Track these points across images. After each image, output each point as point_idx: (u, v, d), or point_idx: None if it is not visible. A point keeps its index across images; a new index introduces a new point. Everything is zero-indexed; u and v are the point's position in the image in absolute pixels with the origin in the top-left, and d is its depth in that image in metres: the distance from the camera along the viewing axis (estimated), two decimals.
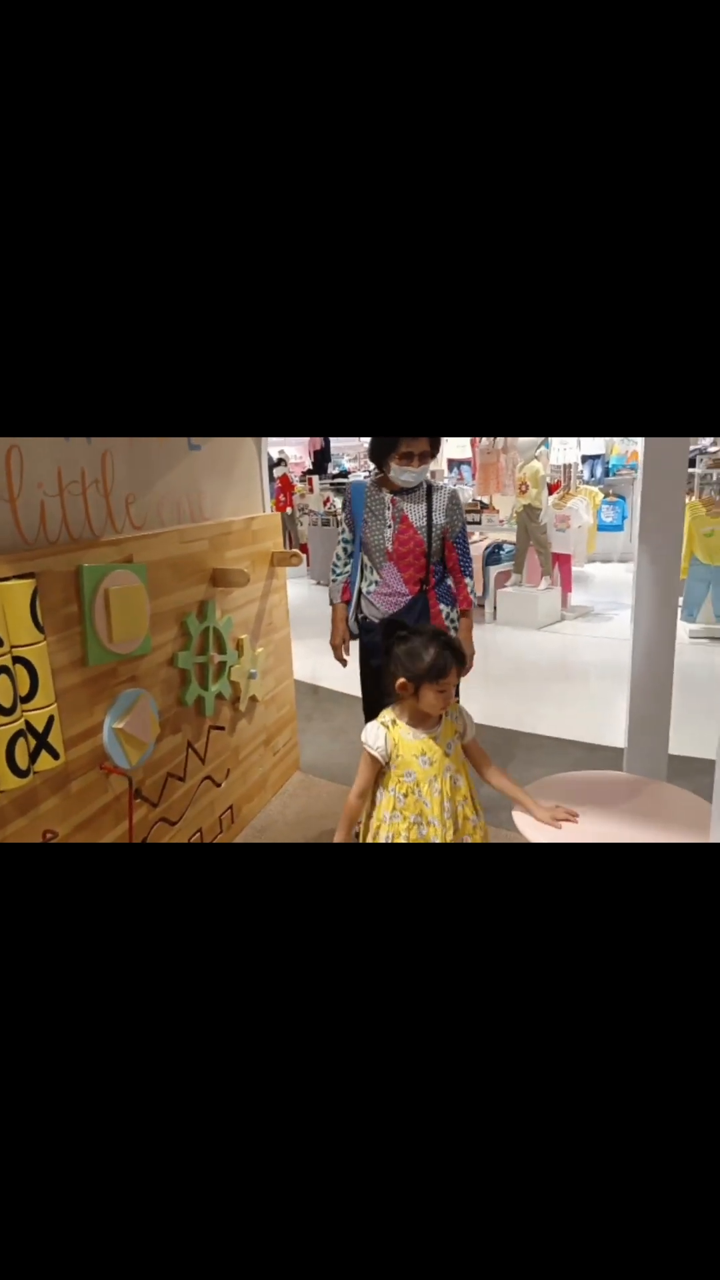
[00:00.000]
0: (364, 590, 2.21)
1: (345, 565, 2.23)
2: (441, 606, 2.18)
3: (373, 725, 1.60)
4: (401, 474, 2.06)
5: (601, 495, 6.90)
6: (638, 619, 2.39)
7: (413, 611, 2.13)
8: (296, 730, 3.03)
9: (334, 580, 2.25)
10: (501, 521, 5.91)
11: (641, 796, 1.71)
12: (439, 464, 8.21)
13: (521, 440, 5.83)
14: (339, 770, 3.03)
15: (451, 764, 1.56)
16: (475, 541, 5.82)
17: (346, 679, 4.32)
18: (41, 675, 1.42)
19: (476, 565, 5.62)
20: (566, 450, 7.61)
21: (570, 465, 6.37)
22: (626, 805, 1.64)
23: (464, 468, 8.67)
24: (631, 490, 7.78)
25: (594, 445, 7.97)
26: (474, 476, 8.37)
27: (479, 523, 6.09)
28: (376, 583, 2.17)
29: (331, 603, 2.25)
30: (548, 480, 5.59)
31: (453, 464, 8.63)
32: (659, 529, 2.26)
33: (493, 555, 5.64)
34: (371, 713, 2.36)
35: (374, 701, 2.34)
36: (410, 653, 1.51)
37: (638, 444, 8.25)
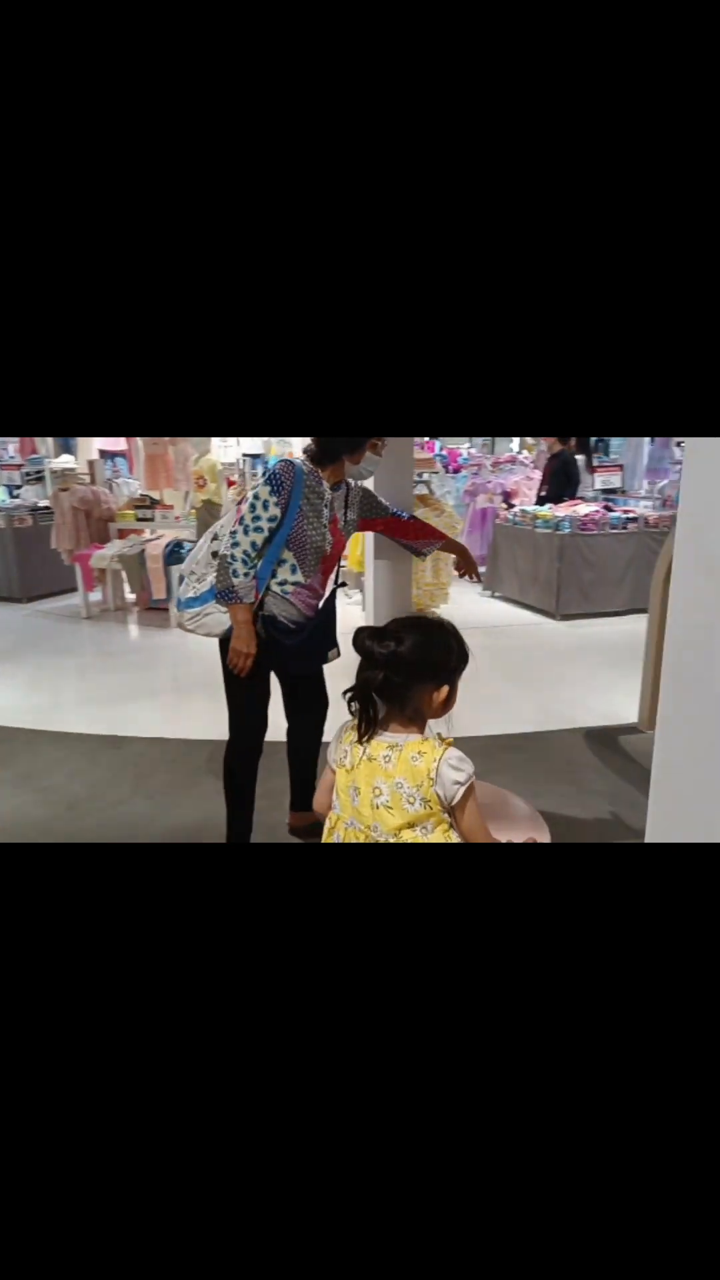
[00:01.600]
0: (276, 589, 1.91)
1: (258, 559, 1.87)
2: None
3: (457, 755, 1.11)
4: (369, 464, 1.91)
5: None
6: (376, 619, 2.38)
7: (327, 611, 2.00)
8: None
9: (245, 575, 1.85)
10: (178, 518, 5.51)
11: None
12: (91, 454, 7.36)
13: None
14: (31, 827, 2.38)
15: None
16: (151, 540, 5.33)
17: (9, 710, 3.51)
18: None
19: (156, 565, 5.16)
20: (227, 449, 7.54)
21: (240, 461, 6.29)
22: None
23: (119, 460, 7.95)
24: None
25: (253, 445, 8.07)
26: (131, 470, 7.75)
27: (151, 519, 5.59)
28: (299, 583, 1.91)
29: (240, 601, 1.86)
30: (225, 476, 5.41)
31: (105, 455, 7.81)
32: None
33: (173, 555, 5.22)
34: (240, 725, 2.02)
35: (251, 714, 2.01)
36: (432, 646, 1.12)
37: (293, 446, 8.71)
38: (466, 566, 2.27)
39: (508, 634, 4.99)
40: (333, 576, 2.03)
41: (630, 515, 5.30)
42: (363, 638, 1.13)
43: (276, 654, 1.95)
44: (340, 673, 2.15)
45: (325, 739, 2.25)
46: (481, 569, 6.34)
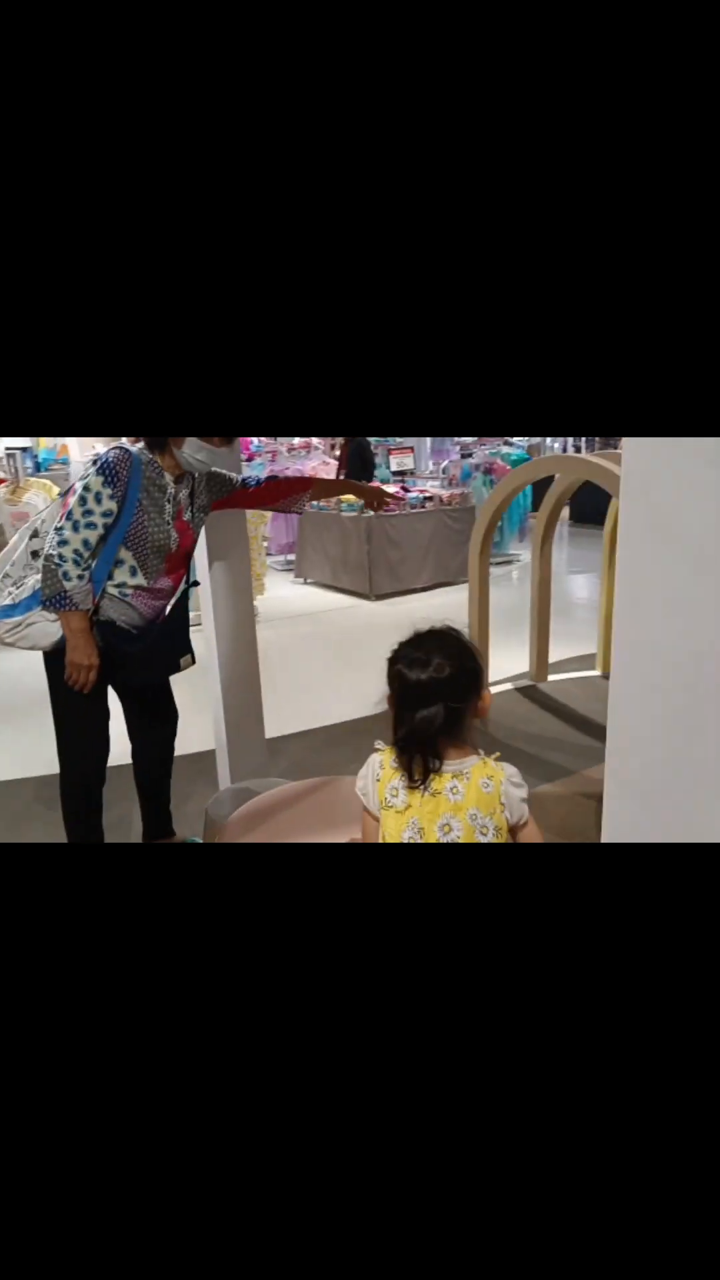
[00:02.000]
0: (114, 592, 1.69)
1: (92, 559, 1.63)
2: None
3: (515, 772, 1.05)
4: (199, 453, 1.69)
5: (56, 488, 6.30)
6: (218, 618, 2.23)
7: (177, 614, 1.82)
8: None
9: (78, 578, 1.60)
10: None
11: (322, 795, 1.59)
12: None
13: None
14: None
15: None
16: None
17: None
18: None
19: None
20: None
21: (14, 455, 5.55)
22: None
23: None
24: (66, 484, 7.36)
25: (19, 439, 7.19)
26: None
27: None
28: (140, 586, 1.71)
29: (74, 608, 1.61)
30: None
31: None
32: (228, 525, 2.19)
33: None
34: (77, 750, 1.78)
35: (90, 737, 1.78)
36: (463, 654, 1.03)
37: (67, 439, 7.90)
38: (373, 497, 2.23)
39: (329, 619, 5.03)
40: (185, 576, 1.84)
41: (426, 495, 5.61)
42: (413, 672, 1.01)
43: (117, 665, 1.72)
44: (188, 679, 1.97)
45: (177, 753, 2.07)
46: (290, 556, 6.33)
